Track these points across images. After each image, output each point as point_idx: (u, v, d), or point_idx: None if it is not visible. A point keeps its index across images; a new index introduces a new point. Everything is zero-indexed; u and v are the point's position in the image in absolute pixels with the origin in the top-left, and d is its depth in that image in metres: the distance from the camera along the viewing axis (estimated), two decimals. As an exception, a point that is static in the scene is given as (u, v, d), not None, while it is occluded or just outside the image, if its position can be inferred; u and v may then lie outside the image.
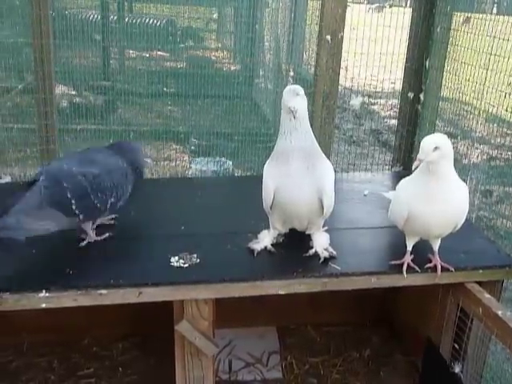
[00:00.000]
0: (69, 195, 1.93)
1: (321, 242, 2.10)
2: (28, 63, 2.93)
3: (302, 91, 1.89)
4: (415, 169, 1.89)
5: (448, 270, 2.04)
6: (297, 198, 1.96)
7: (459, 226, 2.02)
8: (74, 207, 1.95)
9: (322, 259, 2.05)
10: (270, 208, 2.04)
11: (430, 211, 1.92)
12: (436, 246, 2.07)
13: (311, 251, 2.08)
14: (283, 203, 1.99)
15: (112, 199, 2.05)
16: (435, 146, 1.80)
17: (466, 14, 2.60)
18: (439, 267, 2.03)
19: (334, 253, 2.08)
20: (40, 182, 1.94)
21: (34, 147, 3.00)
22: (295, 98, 1.87)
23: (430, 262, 2.06)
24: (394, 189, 2.19)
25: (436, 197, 1.90)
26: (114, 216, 2.27)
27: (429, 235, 2.04)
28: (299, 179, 1.93)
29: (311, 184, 1.93)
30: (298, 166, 1.92)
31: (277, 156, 1.98)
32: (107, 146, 2.25)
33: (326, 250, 2.09)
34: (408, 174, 2.11)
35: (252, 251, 2.08)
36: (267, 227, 2.15)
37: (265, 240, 2.12)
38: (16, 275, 1.90)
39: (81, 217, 1.99)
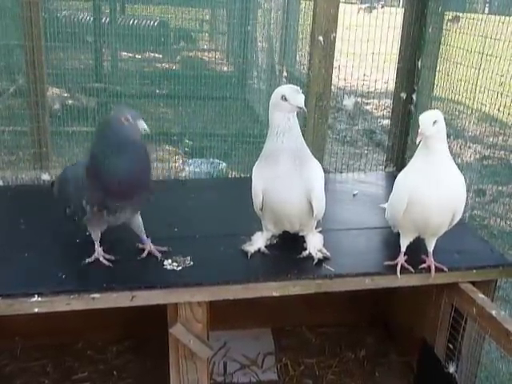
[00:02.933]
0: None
1: (314, 244, 2.10)
2: (19, 65, 2.91)
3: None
4: (419, 143, 1.93)
5: (442, 270, 2.04)
6: (286, 200, 1.95)
7: (458, 217, 2.01)
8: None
9: (315, 260, 2.05)
10: (260, 210, 2.04)
11: (430, 195, 1.91)
12: (431, 246, 2.07)
13: (305, 253, 2.08)
14: (273, 204, 1.98)
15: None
16: (435, 119, 1.86)
17: (458, 14, 2.60)
18: (433, 268, 2.03)
19: (328, 254, 2.08)
20: None
21: (26, 150, 2.98)
22: (300, 96, 1.85)
23: (424, 262, 2.06)
24: (387, 189, 2.19)
25: (435, 180, 1.90)
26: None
27: (427, 227, 2.02)
28: (288, 180, 1.92)
29: (300, 185, 1.92)
30: (287, 167, 1.91)
31: (266, 157, 1.97)
32: None
33: (319, 251, 2.08)
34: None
35: (246, 253, 2.08)
36: (261, 229, 2.15)
37: (258, 242, 2.12)
38: (8, 280, 1.88)
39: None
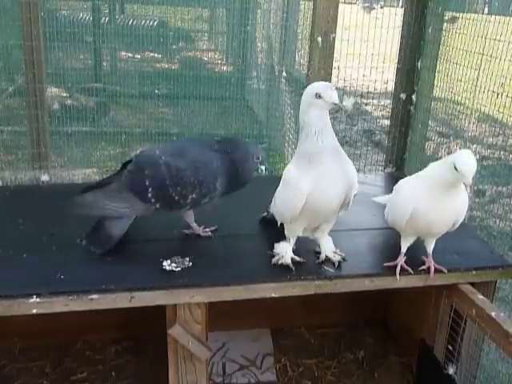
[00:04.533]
0: (147, 183, 1.99)
1: (330, 247, 2.08)
2: (18, 65, 2.91)
3: None
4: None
5: (441, 271, 2.04)
6: (331, 197, 1.91)
7: (459, 223, 2.02)
8: (150, 195, 2.00)
9: (336, 263, 2.03)
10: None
11: (433, 208, 1.91)
12: (430, 247, 2.06)
13: (322, 257, 2.06)
14: (317, 204, 1.91)
15: (193, 195, 2.01)
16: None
17: (456, 14, 2.60)
18: (432, 269, 2.03)
19: (343, 254, 2.07)
20: (128, 165, 2.06)
21: (25, 150, 2.98)
22: (335, 93, 1.82)
23: (424, 263, 2.06)
24: (387, 190, 2.18)
25: (441, 197, 1.91)
26: (213, 228, 2.25)
27: (428, 233, 2.03)
28: (333, 178, 1.89)
29: (343, 181, 1.90)
30: (330, 166, 1.88)
31: (307, 158, 1.89)
32: (217, 139, 2.14)
33: (335, 253, 2.07)
34: (400, 175, 2.11)
35: (287, 267, 2.00)
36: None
37: (287, 253, 2.04)
38: (7, 280, 1.88)
39: (157, 205, 2.03)
